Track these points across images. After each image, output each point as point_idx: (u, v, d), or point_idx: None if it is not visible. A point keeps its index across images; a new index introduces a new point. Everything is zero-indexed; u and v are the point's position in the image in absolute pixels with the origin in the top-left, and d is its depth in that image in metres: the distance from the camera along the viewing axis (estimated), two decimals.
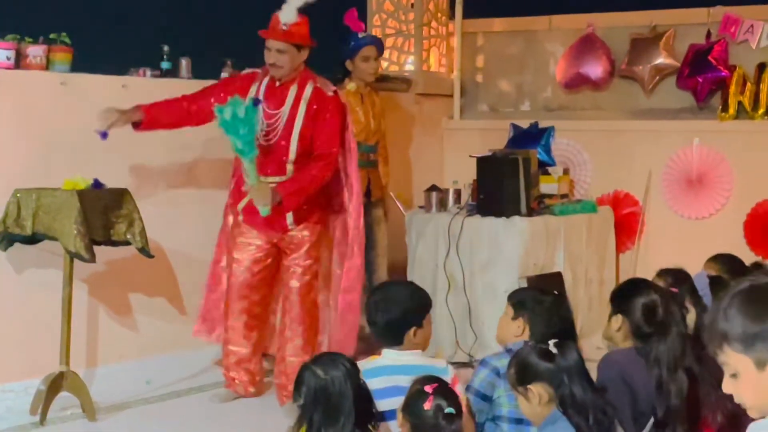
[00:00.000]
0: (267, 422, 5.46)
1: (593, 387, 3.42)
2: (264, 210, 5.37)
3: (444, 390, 3.40)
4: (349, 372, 3.40)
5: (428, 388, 3.35)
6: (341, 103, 5.67)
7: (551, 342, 3.39)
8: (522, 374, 3.44)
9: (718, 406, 3.74)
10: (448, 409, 3.30)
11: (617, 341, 4.12)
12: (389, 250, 7.56)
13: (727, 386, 2.13)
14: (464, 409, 3.51)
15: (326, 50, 5.97)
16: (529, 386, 3.41)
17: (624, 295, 4.14)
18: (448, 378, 3.82)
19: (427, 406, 3.31)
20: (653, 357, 3.91)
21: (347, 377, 3.38)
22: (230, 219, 5.78)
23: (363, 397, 3.43)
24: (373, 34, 7.99)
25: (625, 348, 4.04)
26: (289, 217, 5.58)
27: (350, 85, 6.67)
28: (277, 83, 5.54)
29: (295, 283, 5.70)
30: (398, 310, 4.10)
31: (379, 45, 6.86)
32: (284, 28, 5.44)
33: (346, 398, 3.34)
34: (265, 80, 5.56)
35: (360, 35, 6.67)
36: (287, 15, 5.44)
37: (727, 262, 5.32)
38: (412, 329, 4.08)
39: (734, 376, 2.12)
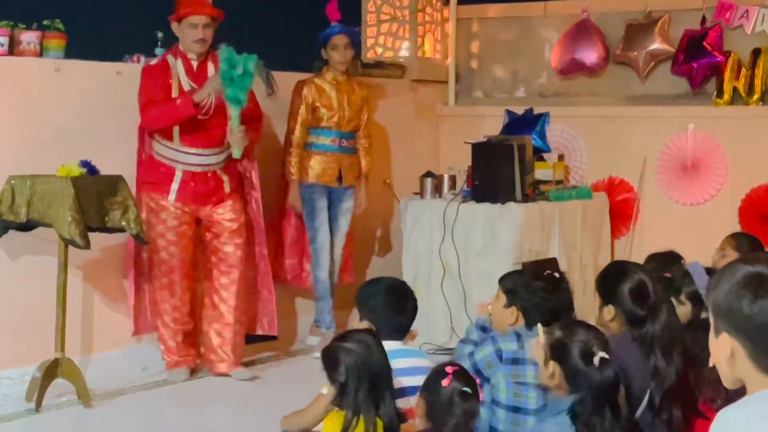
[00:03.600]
0: (261, 402, 5.49)
1: (617, 415, 3.36)
2: (238, 153, 5.78)
3: (464, 374, 3.47)
4: (377, 341, 3.47)
5: (449, 369, 3.41)
6: None
7: (600, 353, 3.32)
8: (556, 349, 3.42)
9: (717, 389, 3.75)
10: (465, 388, 3.33)
11: (612, 329, 4.12)
12: (382, 237, 7.58)
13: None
14: None
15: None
16: (552, 362, 3.40)
17: (609, 285, 4.12)
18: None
19: (446, 383, 3.36)
20: (649, 339, 3.91)
21: (377, 346, 3.45)
22: (151, 205, 5.82)
23: (389, 368, 3.50)
24: (363, 20, 7.99)
25: (618, 333, 4.05)
26: (227, 186, 5.93)
27: (327, 74, 6.72)
28: (195, 62, 5.83)
29: (230, 249, 5.95)
30: (416, 306, 4.21)
31: (352, 35, 6.87)
32: (209, 2, 5.82)
33: (383, 367, 3.42)
34: (179, 63, 5.81)
35: (331, 24, 6.70)
36: None
37: (748, 241, 5.43)
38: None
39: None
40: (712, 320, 2.25)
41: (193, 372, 6.02)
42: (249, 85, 5.67)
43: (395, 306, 4.11)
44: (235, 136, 5.73)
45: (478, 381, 3.98)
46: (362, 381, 3.38)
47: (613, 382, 3.32)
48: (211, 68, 5.83)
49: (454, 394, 3.36)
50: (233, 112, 5.68)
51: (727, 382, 2.27)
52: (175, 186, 5.79)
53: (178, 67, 5.80)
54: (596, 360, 3.30)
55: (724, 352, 2.20)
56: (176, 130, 5.74)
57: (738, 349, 2.17)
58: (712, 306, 2.25)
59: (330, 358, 3.48)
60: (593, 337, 3.41)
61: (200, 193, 5.85)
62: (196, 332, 6.08)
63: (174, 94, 5.74)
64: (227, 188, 5.94)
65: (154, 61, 5.85)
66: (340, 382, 3.43)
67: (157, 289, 5.88)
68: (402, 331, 4.12)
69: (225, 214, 5.94)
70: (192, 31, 5.78)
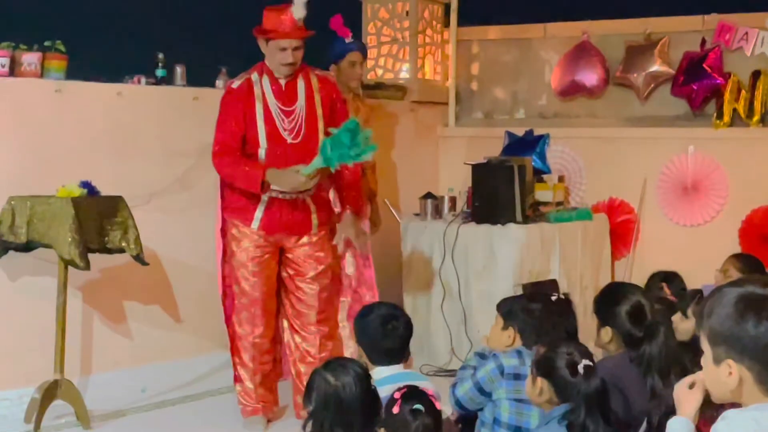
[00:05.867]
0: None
1: (608, 420, 3.43)
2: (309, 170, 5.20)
3: (414, 392, 3.46)
4: (360, 377, 3.43)
5: (397, 395, 3.41)
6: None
7: (584, 361, 3.42)
8: (542, 364, 3.50)
9: (717, 409, 3.74)
10: (416, 406, 3.33)
11: (610, 351, 4.14)
12: (382, 258, 7.56)
13: (702, 360, 2.33)
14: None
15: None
16: (539, 378, 3.48)
17: (607, 307, 4.15)
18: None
19: (396, 409, 3.36)
20: (646, 361, 3.93)
21: (358, 382, 3.41)
22: (233, 232, 5.44)
23: (373, 402, 3.45)
24: (364, 41, 7.99)
25: (617, 354, 4.06)
26: (315, 218, 5.49)
27: None
28: (283, 81, 5.40)
29: (313, 289, 5.55)
30: (411, 331, 4.20)
31: (364, 51, 6.80)
32: (300, 24, 5.36)
33: (357, 404, 3.37)
34: (265, 83, 5.38)
35: (347, 40, 6.62)
36: (300, 11, 5.36)
37: (749, 262, 5.45)
38: None
39: (704, 356, 2.32)
40: (708, 349, 2.24)
41: (270, 422, 5.57)
42: (347, 160, 5.14)
43: (382, 331, 4.11)
44: (294, 175, 5.19)
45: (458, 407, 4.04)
46: (329, 413, 3.37)
47: (601, 389, 3.41)
48: (300, 86, 5.41)
49: (406, 415, 3.36)
50: (315, 163, 5.15)
51: (718, 400, 2.28)
52: (259, 214, 5.35)
53: (265, 86, 5.36)
54: (581, 368, 3.38)
55: (730, 380, 2.19)
56: (263, 154, 5.29)
57: (746, 376, 2.16)
58: (708, 334, 2.23)
59: (309, 382, 3.48)
60: (575, 348, 3.52)
61: (286, 222, 5.38)
62: (275, 375, 5.68)
63: (258, 116, 5.28)
64: (315, 220, 5.46)
65: (237, 83, 5.38)
66: (309, 410, 3.43)
67: (236, 324, 5.49)
68: (393, 356, 4.12)
69: (311, 252, 5.49)
70: (281, 54, 5.31)
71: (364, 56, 6.78)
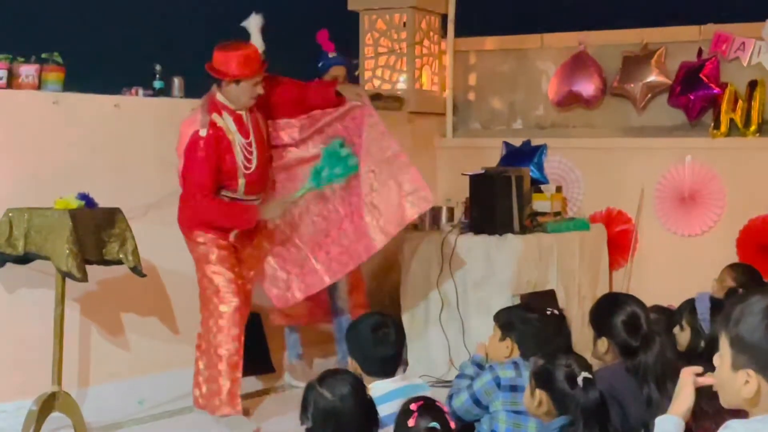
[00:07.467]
0: None
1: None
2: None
3: (430, 407, 3.41)
4: (356, 388, 3.41)
5: (413, 406, 3.38)
6: None
7: (583, 373, 3.41)
8: (541, 376, 3.49)
9: (716, 420, 3.73)
10: (432, 424, 3.31)
11: (607, 361, 4.14)
12: (380, 269, 7.57)
13: (716, 360, 2.31)
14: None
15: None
16: (538, 390, 3.47)
17: (603, 317, 4.15)
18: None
19: (411, 422, 3.33)
20: (642, 370, 3.92)
21: (354, 394, 3.39)
22: (211, 245, 5.62)
23: (370, 413, 3.44)
24: (361, 52, 8.01)
25: (614, 364, 4.06)
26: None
27: None
28: (244, 113, 5.61)
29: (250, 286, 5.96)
30: (403, 338, 4.18)
31: (348, 65, 6.85)
32: (261, 55, 5.61)
33: (355, 416, 3.35)
34: (228, 120, 5.54)
35: (329, 55, 6.65)
36: (261, 43, 5.63)
37: (746, 272, 5.45)
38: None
39: (720, 358, 2.30)
40: (729, 354, 2.22)
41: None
42: (333, 179, 5.75)
43: (373, 339, 4.07)
44: (283, 204, 5.79)
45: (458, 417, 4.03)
46: (329, 429, 3.35)
47: (600, 402, 3.40)
48: (247, 117, 5.61)
49: (422, 431, 3.33)
50: (306, 187, 5.78)
51: (727, 405, 2.27)
52: (235, 232, 5.65)
53: (229, 123, 5.55)
54: (580, 380, 3.37)
55: (746, 389, 2.18)
56: (242, 183, 5.59)
57: (764, 386, 2.16)
58: (732, 340, 2.21)
59: (305, 398, 3.45)
60: (574, 360, 3.51)
61: (250, 232, 5.79)
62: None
63: (236, 154, 5.52)
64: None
65: (203, 131, 5.48)
66: (307, 427, 3.42)
67: (228, 322, 5.55)
68: (387, 364, 4.08)
69: (252, 252, 5.91)
70: (254, 89, 5.53)
71: (349, 70, 6.80)
